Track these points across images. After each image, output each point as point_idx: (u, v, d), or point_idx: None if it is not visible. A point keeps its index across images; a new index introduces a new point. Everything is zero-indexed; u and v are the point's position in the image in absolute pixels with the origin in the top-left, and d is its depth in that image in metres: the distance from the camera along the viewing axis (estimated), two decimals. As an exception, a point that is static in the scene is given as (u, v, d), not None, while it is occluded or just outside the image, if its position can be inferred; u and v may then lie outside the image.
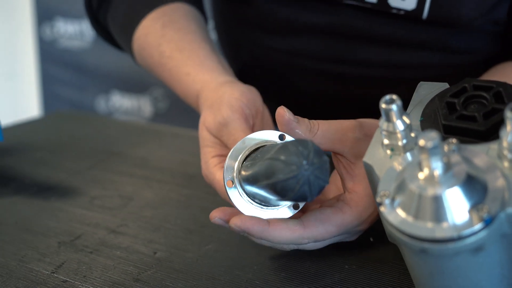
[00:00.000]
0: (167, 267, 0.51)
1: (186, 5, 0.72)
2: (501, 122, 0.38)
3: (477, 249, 0.34)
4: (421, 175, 0.34)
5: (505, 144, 0.35)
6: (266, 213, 0.46)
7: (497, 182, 0.34)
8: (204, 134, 0.54)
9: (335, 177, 0.52)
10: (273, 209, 0.46)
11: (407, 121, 0.39)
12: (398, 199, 0.35)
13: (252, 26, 0.74)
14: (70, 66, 2.11)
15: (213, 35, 0.83)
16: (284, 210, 0.46)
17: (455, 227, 0.33)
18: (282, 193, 0.40)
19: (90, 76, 2.07)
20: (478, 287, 0.36)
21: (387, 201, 0.36)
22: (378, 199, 0.36)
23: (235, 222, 0.44)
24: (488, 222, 0.33)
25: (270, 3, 0.70)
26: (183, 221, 0.60)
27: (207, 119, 0.54)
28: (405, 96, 0.46)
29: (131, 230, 0.58)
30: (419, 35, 0.67)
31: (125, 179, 0.72)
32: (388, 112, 0.39)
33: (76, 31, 2.06)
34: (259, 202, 0.46)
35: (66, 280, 0.49)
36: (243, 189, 0.46)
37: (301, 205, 0.46)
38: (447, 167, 0.34)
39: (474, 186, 0.34)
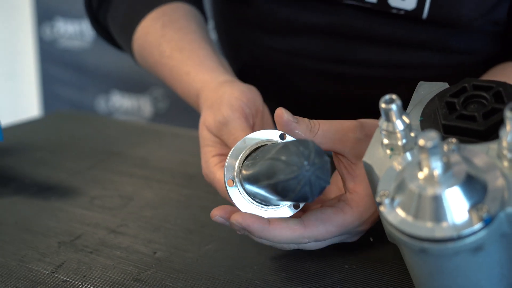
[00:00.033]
0: (167, 267, 0.51)
1: (186, 5, 0.72)
2: (500, 122, 0.38)
3: (477, 248, 0.34)
4: (421, 175, 0.34)
5: (504, 143, 0.35)
6: (266, 212, 0.46)
7: (497, 182, 0.34)
8: (204, 134, 0.55)
9: (336, 178, 0.52)
10: (273, 208, 0.46)
11: (407, 120, 0.39)
12: (398, 199, 0.35)
13: (252, 26, 0.74)
14: (70, 66, 2.11)
15: (213, 35, 0.83)
16: (284, 209, 0.46)
17: (455, 226, 0.33)
18: (283, 193, 0.40)
19: (90, 76, 2.07)
20: (477, 287, 0.36)
21: (386, 201, 0.36)
22: (377, 199, 0.36)
23: (236, 218, 0.44)
24: (487, 222, 0.33)
25: (270, 3, 0.70)
26: (183, 221, 0.60)
27: (208, 119, 0.54)
28: (405, 96, 0.46)
29: (131, 230, 0.58)
30: (419, 35, 0.67)
31: (125, 179, 0.72)
32: (387, 112, 0.39)
33: (76, 31, 2.06)
34: (259, 201, 0.46)
35: (66, 280, 0.49)
36: (244, 189, 0.46)
37: (302, 204, 0.46)
38: (447, 166, 0.34)
39: (474, 186, 0.34)
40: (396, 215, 0.35)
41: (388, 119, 0.39)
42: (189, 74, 0.62)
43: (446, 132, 0.40)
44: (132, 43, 0.72)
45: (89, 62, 2.06)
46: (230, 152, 0.46)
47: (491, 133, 0.38)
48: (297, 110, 0.51)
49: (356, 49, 0.69)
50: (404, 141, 0.40)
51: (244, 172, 0.45)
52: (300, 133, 0.45)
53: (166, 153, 0.82)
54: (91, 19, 0.79)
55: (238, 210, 0.46)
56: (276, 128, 0.47)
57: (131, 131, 0.95)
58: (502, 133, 0.35)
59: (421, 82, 0.45)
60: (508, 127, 0.35)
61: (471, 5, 0.62)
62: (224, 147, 0.53)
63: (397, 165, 0.38)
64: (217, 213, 0.46)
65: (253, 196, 0.46)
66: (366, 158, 0.42)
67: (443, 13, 0.63)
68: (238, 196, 0.46)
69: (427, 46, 0.68)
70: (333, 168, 0.49)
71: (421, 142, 0.33)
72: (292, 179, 0.38)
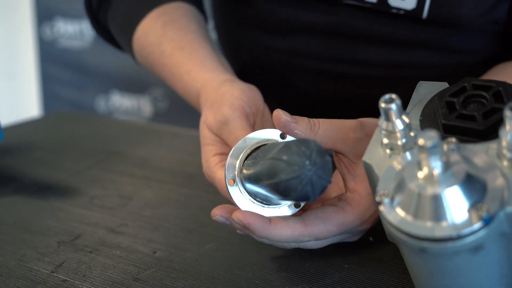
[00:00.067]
0: (167, 266, 0.51)
1: (186, 4, 0.72)
2: (500, 122, 0.38)
3: (477, 248, 0.34)
4: (421, 174, 0.34)
5: (504, 143, 0.35)
6: (267, 211, 0.46)
7: (497, 181, 0.34)
8: (205, 133, 0.55)
9: (336, 177, 0.52)
10: (274, 207, 0.46)
11: (407, 120, 0.39)
12: (398, 198, 0.35)
13: (252, 26, 0.74)
14: (70, 66, 2.10)
15: (213, 35, 0.83)
16: (285, 208, 0.46)
17: (455, 226, 0.33)
18: (284, 193, 0.40)
19: (90, 76, 2.07)
20: (477, 286, 0.36)
21: (386, 200, 0.36)
22: (377, 198, 0.36)
23: (237, 216, 0.44)
24: (487, 221, 0.33)
25: (270, 3, 0.70)
26: (182, 221, 0.60)
27: (208, 118, 0.54)
28: (405, 96, 0.46)
29: (131, 229, 0.58)
30: (419, 35, 0.67)
31: (125, 179, 0.72)
32: (387, 111, 0.39)
33: (76, 31, 2.06)
34: (260, 200, 0.46)
35: (66, 280, 0.49)
36: (245, 188, 0.46)
37: (302, 204, 0.46)
38: (446, 166, 0.34)
39: (474, 185, 0.34)
40: (396, 214, 0.35)
41: (388, 118, 0.39)
42: (190, 73, 0.62)
43: (446, 131, 0.40)
44: (132, 43, 0.72)
45: (89, 62, 2.06)
46: (231, 152, 0.46)
47: (490, 132, 0.38)
48: (297, 110, 0.51)
49: (356, 49, 0.69)
50: (403, 140, 0.40)
51: (245, 171, 0.45)
52: (300, 133, 0.45)
53: (166, 153, 0.82)
54: (91, 19, 0.79)
55: (238, 209, 0.46)
56: None
57: (131, 131, 0.95)
58: (501, 132, 0.35)
59: (421, 82, 0.45)
60: (507, 126, 0.35)
61: (471, 5, 0.62)
62: (225, 146, 0.53)
63: (397, 165, 0.38)
64: (217, 213, 0.46)
65: (254, 195, 0.46)
66: (365, 158, 0.42)
67: (443, 12, 0.63)
68: (239, 196, 0.46)
69: (427, 46, 0.68)
70: (334, 167, 0.49)
71: (420, 141, 0.33)
72: (294, 178, 0.38)
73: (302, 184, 0.38)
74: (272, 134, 0.47)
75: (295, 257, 0.51)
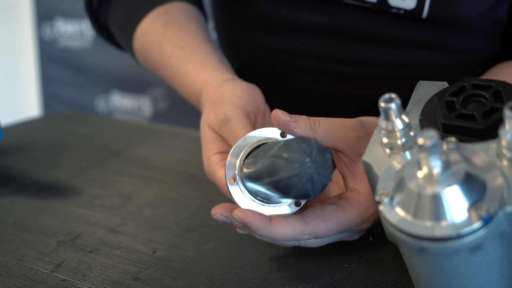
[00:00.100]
0: (167, 266, 0.51)
1: (186, 4, 0.72)
2: (500, 121, 0.38)
3: (476, 247, 0.34)
4: (420, 174, 0.34)
5: (504, 142, 0.35)
6: (267, 210, 0.46)
7: (496, 181, 0.34)
8: (206, 131, 0.55)
9: (336, 176, 0.52)
10: (274, 206, 0.46)
11: (406, 119, 0.39)
12: (397, 198, 0.35)
13: (252, 26, 0.74)
14: (70, 66, 2.10)
15: (213, 35, 0.83)
16: (285, 207, 0.46)
17: (454, 225, 0.33)
18: (284, 190, 0.40)
19: (90, 76, 2.07)
20: (477, 286, 0.36)
21: (386, 200, 0.36)
22: (377, 198, 0.36)
23: (238, 214, 0.44)
24: (487, 221, 0.33)
25: (270, 3, 0.70)
26: (182, 221, 0.60)
27: (209, 116, 0.54)
28: (405, 95, 0.46)
29: (131, 229, 0.58)
30: (419, 34, 0.67)
31: (125, 179, 0.72)
32: (387, 111, 0.39)
33: (76, 31, 2.06)
34: (260, 199, 0.46)
35: (66, 279, 0.49)
36: (245, 186, 0.46)
37: (303, 202, 0.46)
38: (446, 165, 0.34)
39: (473, 185, 0.34)
40: (396, 214, 0.35)
41: (388, 118, 0.39)
42: (190, 73, 0.62)
43: (446, 131, 0.40)
44: (132, 43, 0.72)
45: (89, 62, 2.06)
46: (231, 151, 0.46)
47: (490, 132, 0.38)
48: (297, 110, 0.51)
49: (356, 49, 0.69)
50: (403, 140, 0.40)
51: (245, 170, 0.45)
52: (299, 132, 0.45)
53: (166, 153, 0.82)
54: (92, 19, 0.79)
55: (239, 207, 0.46)
56: None
57: (130, 131, 0.95)
58: (501, 132, 0.35)
59: (420, 81, 0.45)
60: (507, 126, 0.35)
61: (471, 5, 0.62)
62: (226, 144, 0.53)
63: (397, 164, 0.38)
64: (217, 211, 0.46)
65: (254, 194, 0.46)
66: (365, 157, 0.42)
67: (443, 12, 0.63)
68: (240, 194, 0.46)
69: (427, 46, 0.68)
70: (333, 166, 0.49)
71: (420, 141, 0.33)
72: (294, 176, 0.38)
73: (303, 182, 0.38)
74: (272, 133, 0.47)
75: (294, 257, 0.51)
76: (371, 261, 0.50)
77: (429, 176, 0.34)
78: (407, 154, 0.38)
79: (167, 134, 0.92)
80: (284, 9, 0.70)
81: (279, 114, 0.45)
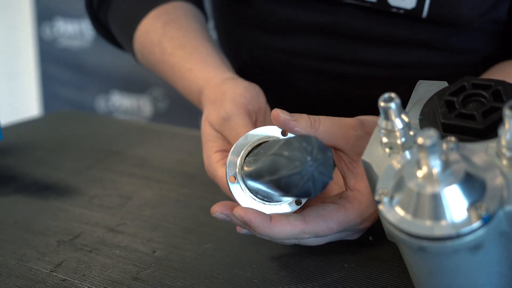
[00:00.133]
0: (166, 265, 0.51)
1: (187, 4, 0.72)
2: (499, 121, 0.38)
3: (476, 247, 0.34)
4: (420, 173, 0.34)
5: (503, 142, 0.35)
6: (268, 208, 0.46)
7: (496, 180, 0.34)
8: (206, 129, 0.55)
9: (337, 175, 0.52)
10: (275, 204, 0.46)
11: (406, 119, 0.39)
12: (397, 197, 0.35)
13: (252, 26, 0.74)
14: (70, 66, 2.11)
15: (213, 34, 0.83)
16: (286, 206, 0.46)
17: (454, 225, 0.33)
18: (285, 189, 0.40)
19: (90, 76, 2.07)
20: (476, 286, 0.36)
21: (385, 199, 0.36)
22: (376, 197, 0.36)
23: (238, 212, 0.44)
24: (486, 220, 0.33)
25: (270, 3, 0.70)
26: (182, 220, 0.60)
27: (210, 114, 0.54)
28: (405, 95, 0.46)
29: (130, 229, 0.58)
30: (419, 34, 0.67)
31: (125, 179, 0.72)
32: (386, 110, 0.39)
33: (76, 30, 2.06)
34: (261, 197, 0.46)
35: (65, 279, 0.49)
36: (246, 185, 0.46)
37: (304, 201, 0.46)
38: (446, 165, 0.34)
39: (473, 184, 0.34)
40: (395, 213, 0.35)
41: (387, 117, 0.39)
42: (192, 71, 0.62)
43: (445, 130, 0.40)
44: (133, 42, 0.72)
45: (89, 62, 2.06)
46: (232, 149, 0.46)
47: (490, 131, 0.38)
48: (297, 110, 0.51)
49: (356, 49, 0.69)
50: (403, 139, 0.40)
51: (246, 168, 0.45)
52: (300, 130, 0.45)
53: (166, 153, 0.82)
54: (92, 19, 0.79)
55: (239, 205, 0.46)
56: None
57: (130, 131, 0.95)
58: (501, 131, 0.35)
59: (420, 81, 0.45)
60: (507, 125, 0.35)
61: (471, 4, 0.62)
62: (227, 143, 0.53)
63: (396, 164, 0.38)
64: (217, 209, 0.46)
65: (255, 192, 0.46)
66: (365, 157, 0.42)
67: (443, 12, 0.63)
68: (240, 193, 0.46)
69: (427, 46, 0.68)
70: (333, 165, 0.49)
71: (420, 140, 0.33)
72: (295, 174, 0.38)
73: (304, 180, 0.38)
74: (273, 131, 0.47)
75: (294, 256, 0.51)
76: (371, 260, 0.50)
77: (429, 176, 0.34)
78: (407, 154, 0.38)
79: (167, 134, 0.92)
80: (284, 9, 0.70)
81: (279, 113, 0.45)
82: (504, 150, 0.36)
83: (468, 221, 0.33)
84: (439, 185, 0.33)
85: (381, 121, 0.40)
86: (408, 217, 0.34)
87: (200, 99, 0.60)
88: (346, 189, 0.48)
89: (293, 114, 0.46)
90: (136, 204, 0.64)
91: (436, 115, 0.41)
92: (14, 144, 0.85)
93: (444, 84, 0.44)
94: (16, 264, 0.52)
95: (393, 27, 0.66)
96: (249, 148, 0.46)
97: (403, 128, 0.39)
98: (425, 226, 0.33)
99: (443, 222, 0.33)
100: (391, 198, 0.36)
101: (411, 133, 0.40)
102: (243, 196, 0.46)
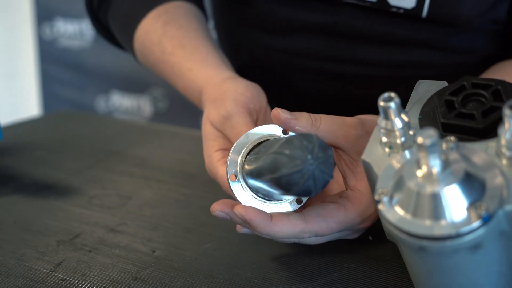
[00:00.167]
0: (166, 265, 0.51)
1: (187, 3, 0.72)
2: (499, 120, 0.38)
3: (475, 246, 0.34)
4: (419, 173, 0.34)
5: (503, 142, 0.35)
6: (268, 207, 0.46)
7: (496, 180, 0.34)
8: (207, 128, 0.55)
9: (337, 175, 0.52)
10: (276, 203, 0.46)
11: (406, 119, 0.39)
12: (396, 197, 0.35)
13: (252, 26, 0.74)
14: (70, 66, 2.11)
15: (213, 34, 0.83)
16: (286, 205, 0.46)
17: (453, 224, 0.33)
18: (286, 187, 0.40)
19: (90, 76, 2.07)
20: (476, 285, 0.36)
21: (385, 199, 0.36)
22: (376, 197, 0.36)
23: (239, 210, 0.44)
24: (486, 220, 0.33)
25: (270, 3, 0.70)
26: (182, 220, 0.60)
27: (211, 113, 0.54)
28: (405, 95, 0.46)
29: (130, 229, 0.58)
30: (419, 34, 0.67)
31: (124, 179, 0.72)
32: (386, 110, 0.39)
33: (75, 30, 2.06)
34: (262, 196, 0.46)
35: (65, 279, 0.49)
36: (246, 183, 0.46)
37: (304, 199, 0.46)
38: (445, 164, 0.34)
39: (473, 184, 0.34)
40: (395, 213, 0.35)
41: (387, 117, 0.39)
42: (192, 70, 0.62)
43: (445, 130, 0.40)
44: (133, 42, 0.72)
45: (89, 62, 2.06)
46: (233, 147, 0.46)
47: (489, 131, 0.38)
48: (297, 110, 0.51)
49: (356, 49, 0.69)
50: (402, 139, 0.40)
51: (246, 167, 0.45)
52: (301, 129, 0.45)
53: (166, 153, 0.82)
54: (92, 19, 0.79)
55: (240, 204, 0.46)
56: None
57: (130, 131, 0.95)
58: (500, 131, 0.35)
59: (420, 81, 0.45)
60: (506, 125, 0.35)
61: (471, 4, 0.62)
62: (227, 141, 0.53)
63: (396, 163, 0.38)
64: (217, 208, 0.46)
65: (255, 191, 0.46)
66: (364, 156, 0.42)
67: (443, 11, 0.63)
68: (241, 191, 0.46)
69: (427, 45, 0.68)
70: (334, 164, 0.49)
71: (419, 140, 0.33)
72: (296, 173, 0.38)
73: (304, 179, 0.38)
74: (274, 130, 0.47)
75: (294, 256, 0.51)
76: (371, 260, 0.50)
77: (429, 175, 0.34)
78: (407, 153, 0.38)
79: (167, 134, 0.92)
80: (284, 9, 0.70)
81: (279, 112, 0.45)
82: (504, 150, 0.36)
83: (467, 221, 0.33)
84: (439, 185, 0.33)
85: (380, 121, 0.40)
86: (408, 216, 0.34)
87: (201, 98, 0.60)
88: (346, 189, 0.48)
89: (293, 112, 0.46)
90: (136, 204, 0.64)
91: (435, 115, 0.41)
92: (14, 144, 0.85)
93: (444, 83, 0.44)
94: (15, 264, 0.52)
95: (393, 27, 0.66)
96: (250, 147, 0.46)
97: (402, 128, 0.39)
98: (425, 226, 0.33)
99: (443, 222, 0.33)
100: (391, 198, 0.36)
101: (411, 132, 0.40)
102: (243, 194, 0.46)
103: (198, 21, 0.70)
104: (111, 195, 0.67)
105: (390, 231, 0.36)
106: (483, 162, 0.36)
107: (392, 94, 0.39)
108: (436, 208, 0.33)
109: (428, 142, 0.33)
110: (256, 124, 0.54)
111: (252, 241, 0.53)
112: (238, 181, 0.46)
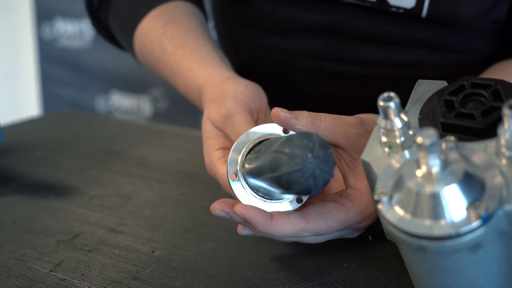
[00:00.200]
0: (166, 265, 0.51)
1: (186, 3, 0.72)
2: (499, 120, 0.37)
3: (475, 246, 0.34)
4: (419, 173, 0.34)
5: (503, 141, 0.35)
6: (269, 206, 0.46)
7: (495, 180, 0.34)
8: (207, 127, 0.54)
9: (337, 174, 0.52)
10: (276, 202, 0.46)
11: (405, 118, 0.39)
12: (396, 197, 0.35)
13: (252, 26, 0.74)
14: (69, 66, 2.11)
15: (213, 34, 0.83)
16: (286, 203, 0.46)
17: (453, 224, 0.33)
18: (286, 186, 0.40)
19: (90, 76, 2.07)
20: (476, 285, 0.36)
21: (385, 199, 0.36)
22: (376, 197, 0.36)
23: (239, 209, 0.44)
24: (485, 220, 0.33)
25: (270, 3, 0.70)
26: (181, 220, 0.60)
27: (212, 112, 0.54)
28: (404, 95, 0.46)
29: (130, 228, 0.58)
30: (418, 34, 0.67)
31: (124, 179, 0.72)
32: (386, 110, 0.39)
33: (75, 30, 2.06)
34: (262, 195, 0.46)
35: (65, 279, 0.49)
36: (247, 182, 0.46)
37: (305, 198, 0.46)
38: (445, 164, 0.34)
39: (472, 184, 0.34)
40: (394, 213, 0.35)
41: (386, 117, 0.39)
42: (192, 70, 0.62)
43: (445, 130, 0.40)
44: (133, 42, 0.72)
45: (88, 62, 2.06)
46: (233, 146, 0.46)
47: (489, 131, 0.38)
48: (297, 110, 0.51)
49: (356, 48, 0.69)
50: (402, 139, 0.40)
51: (247, 166, 0.45)
52: (301, 127, 0.45)
53: (165, 153, 0.82)
54: (92, 18, 0.79)
55: (240, 202, 0.46)
56: None
57: (130, 131, 0.95)
58: (500, 131, 0.35)
59: (420, 80, 0.45)
60: (506, 125, 0.35)
61: (471, 4, 0.62)
62: (228, 140, 0.53)
63: (395, 163, 0.38)
64: (217, 207, 0.46)
65: (256, 190, 0.46)
66: (364, 156, 0.42)
67: (443, 11, 0.63)
68: (241, 190, 0.46)
69: (427, 45, 0.68)
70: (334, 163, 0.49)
71: (419, 139, 0.33)
72: (296, 171, 0.38)
73: (305, 177, 0.38)
74: (274, 129, 0.47)
75: (294, 256, 0.51)
76: (370, 260, 0.50)
77: (428, 175, 0.34)
78: (406, 153, 0.38)
79: (167, 134, 0.92)
80: (284, 9, 0.70)
81: (279, 112, 0.45)
82: (503, 150, 0.36)
83: (467, 221, 0.33)
84: (438, 185, 0.33)
85: (380, 121, 0.40)
86: (407, 216, 0.34)
87: (201, 98, 0.60)
88: (346, 188, 0.48)
89: (293, 111, 0.46)
90: (136, 204, 0.64)
91: (435, 115, 0.41)
92: (14, 144, 0.85)
93: (444, 83, 0.44)
94: (15, 264, 0.52)
95: (393, 26, 0.66)
96: (250, 146, 0.46)
97: (402, 128, 0.39)
98: (425, 226, 0.33)
99: (443, 222, 0.33)
100: (390, 198, 0.36)
101: (411, 132, 0.40)
102: (244, 193, 0.46)
103: (198, 21, 0.70)
104: (111, 195, 0.67)
105: (390, 231, 0.36)
106: (483, 162, 0.36)
107: (392, 94, 0.39)
108: (435, 208, 0.33)
109: (427, 142, 0.33)
110: (256, 123, 0.54)
111: (252, 241, 0.53)
112: (239, 180, 0.46)
